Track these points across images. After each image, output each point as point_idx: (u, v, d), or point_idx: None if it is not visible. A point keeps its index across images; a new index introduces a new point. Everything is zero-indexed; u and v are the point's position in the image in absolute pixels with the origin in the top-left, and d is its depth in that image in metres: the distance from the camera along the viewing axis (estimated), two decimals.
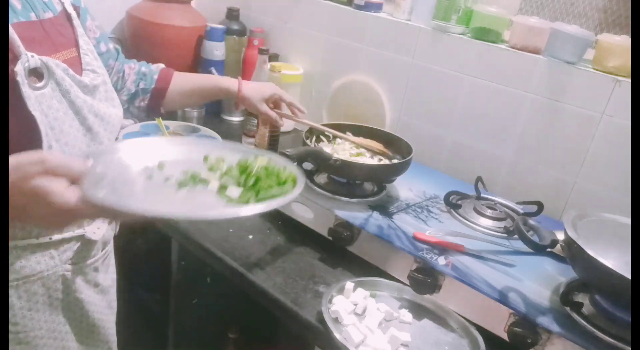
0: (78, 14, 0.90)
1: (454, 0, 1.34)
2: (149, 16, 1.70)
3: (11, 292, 0.82)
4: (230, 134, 1.64)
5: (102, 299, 0.99)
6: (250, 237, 1.12)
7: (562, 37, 1.21)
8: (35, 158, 0.59)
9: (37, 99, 0.74)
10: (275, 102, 1.24)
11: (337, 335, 0.84)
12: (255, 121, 1.51)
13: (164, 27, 1.69)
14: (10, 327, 0.83)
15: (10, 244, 0.79)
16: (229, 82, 1.18)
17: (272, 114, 1.22)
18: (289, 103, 1.25)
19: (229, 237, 1.11)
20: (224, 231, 1.13)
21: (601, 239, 0.87)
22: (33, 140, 0.74)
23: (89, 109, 0.82)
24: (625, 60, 1.13)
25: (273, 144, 1.50)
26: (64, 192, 0.57)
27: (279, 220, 1.19)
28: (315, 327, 0.89)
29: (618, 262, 0.77)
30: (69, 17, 0.86)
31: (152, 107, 1.12)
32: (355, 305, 0.92)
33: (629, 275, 0.73)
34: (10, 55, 0.72)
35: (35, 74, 0.75)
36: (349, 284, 0.95)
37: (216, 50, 1.75)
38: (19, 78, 0.71)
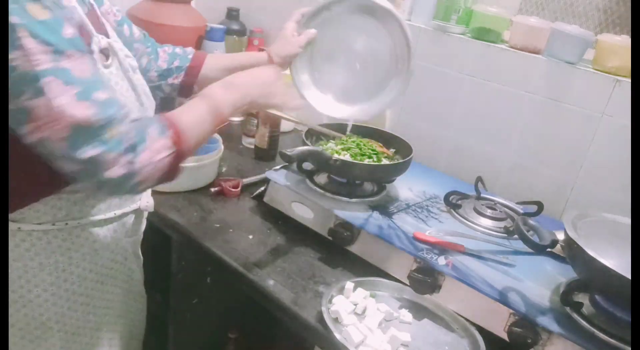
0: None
1: (454, 0, 1.34)
2: (149, 16, 1.70)
3: (84, 265, 0.89)
4: (230, 134, 1.64)
5: (140, 272, 1.06)
6: (250, 237, 1.12)
7: (562, 37, 1.21)
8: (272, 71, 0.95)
9: (107, 76, 0.80)
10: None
11: (337, 335, 0.84)
12: (255, 121, 1.51)
13: (164, 27, 1.69)
14: (82, 298, 0.91)
15: (85, 220, 0.86)
16: (258, 56, 1.16)
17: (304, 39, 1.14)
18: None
19: (229, 237, 1.11)
20: (224, 231, 1.13)
21: (601, 239, 0.87)
22: None
23: (142, 87, 0.90)
24: (625, 60, 1.13)
25: (273, 144, 1.50)
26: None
27: (279, 220, 1.19)
28: (315, 327, 0.89)
29: (618, 262, 0.77)
30: (94, 8, 0.88)
31: (185, 85, 1.13)
32: (355, 305, 0.92)
33: (629, 275, 0.74)
34: (85, 35, 0.76)
35: (104, 53, 0.81)
36: (349, 284, 0.95)
37: (216, 50, 1.75)
38: (95, 56, 0.78)
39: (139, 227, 1.01)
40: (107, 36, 0.86)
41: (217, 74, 1.15)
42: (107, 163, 0.70)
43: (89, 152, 0.68)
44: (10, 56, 0.63)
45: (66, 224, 0.84)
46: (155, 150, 0.73)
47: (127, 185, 0.73)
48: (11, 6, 0.63)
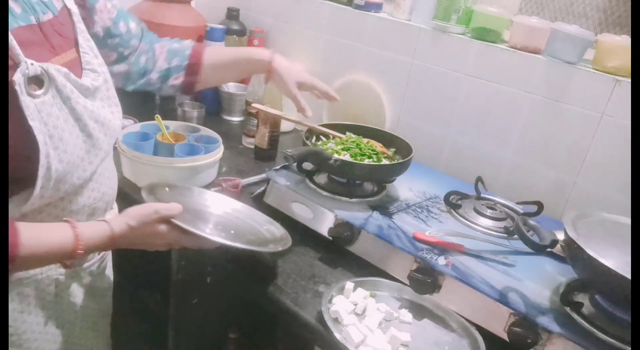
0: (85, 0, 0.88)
1: (454, 0, 1.34)
2: (149, 16, 1.70)
3: None
4: (230, 134, 1.64)
5: (97, 303, 0.98)
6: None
7: (562, 37, 1.21)
8: (151, 210, 0.82)
9: (36, 108, 0.72)
10: (308, 88, 1.17)
11: (337, 335, 0.84)
12: (255, 121, 1.51)
13: (164, 27, 1.69)
14: (14, 331, 0.83)
15: None
16: (262, 53, 1.12)
17: (302, 102, 1.13)
18: (324, 91, 1.18)
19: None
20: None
21: (601, 239, 0.87)
22: (31, 148, 0.72)
23: (90, 115, 0.80)
24: (625, 60, 1.13)
25: (273, 144, 1.50)
26: (171, 230, 0.83)
27: (279, 220, 1.19)
28: (315, 327, 0.89)
29: (618, 262, 0.77)
30: (69, 13, 0.84)
31: (187, 85, 1.09)
32: (355, 305, 0.92)
33: (629, 275, 0.74)
34: (9, 63, 0.70)
35: (36, 81, 0.72)
36: (349, 284, 0.95)
37: None
38: (17, 87, 0.69)
39: (84, 258, 0.90)
40: (76, 45, 0.81)
41: (216, 73, 1.13)
42: None
43: None
44: None
45: None
46: None
47: None
48: None
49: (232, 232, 1.09)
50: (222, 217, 1.14)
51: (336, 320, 0.88)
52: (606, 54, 1.17)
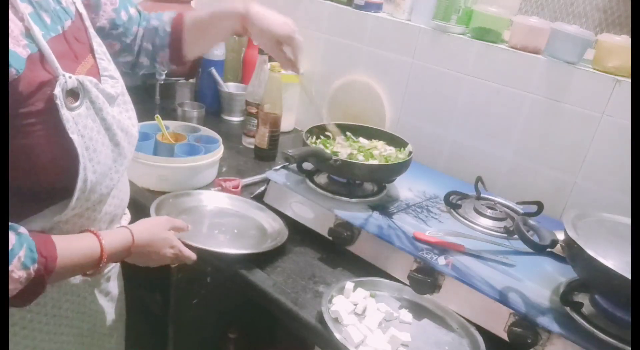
0: None
1: (454, 0, 1.34)
2: None
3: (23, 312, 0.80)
4: (230, 134, 1.64)
5: (112, 308, 0.98)
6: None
7: (562, 37, 1.21)
8: (163, 219, 0.94)
9: (74, 120, 0.71)
10: (285, 42, 1.04)
11: (337, 335, 0.84)
12: (255, 121, 1.51)
13: None
14: (29, 342, 0.82)
15: None
16: (236, 5, 1.02)
17: (282, 57, 1.05)
18: (295, 53, 1.06)
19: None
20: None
21: (601, 239, 0.87)
22: (70, 162, 0.71)
23: (117, 125, 0.80)
24: (625, 60, 1.13)
25: (273, 144, 1.50)
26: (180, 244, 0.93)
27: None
28: (315, 327, 0.89)
29: (618, 262, 0.77)
30: (81, 17, 0.82)
31: (175, 59, 1.06)
32: (355, 305, 0.92)
33: (629, 275, 0.74)
34: (48, 77, 0.69)
35: (72, 94, 0.72)
36: (349, 284, 0.95)
37: (216, 50, 1.75)
38: (58, 101, 0.68)
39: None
40: (91, 51, 0.80)
41: (199, 41, 1.07)
42: None
43: None
44: None
45: None
46: (10, 277, 0.65)
47: None
48: None
49: (235, 231, 1.11)
50: (222, 216, 1.16)
51: (336, 320, 0.88)
52: (606, 54, 1.17)
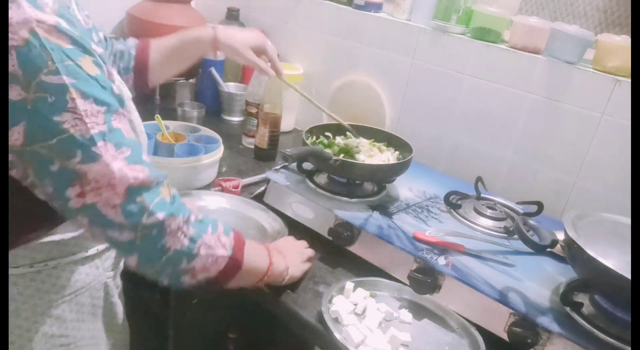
0: None
1: (454, 0, 1.34)
2: (149, 16, 1.70)
3: (64, 306, 0.82)
4: (230, 134, 1.64)
5: (122, 301, 1.00)
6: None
7: (562, 37, 1.21)
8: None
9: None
10: (259, 53, 1.12)
11: (337, 335, 0.84)
12: (255, 121, 1.51)
13: (164, 27, 1.69)
14: (62, 340, 0.83)
15: (67, 260, 0.80)
16: (204, 31, 1.07)
17: (262, 62, 1.11)
18: (271, 58, 1.15)
19: None
20: None
21: (601, 239, 0.87)
22: None
23: (139, 126, 0.81)
24: (625, 60, 1.13)
25: (273, 144, 1.50)
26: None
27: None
28: (315, 327, 0.89)
29: (618, 262, 0.77)
30: None
31: (138, 85, 1.06)
32: (355, 305, 0.92)
33: (629, 275, 0.73)
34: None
35: None
36: (349, 284, 0.95)
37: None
38: None
39: (121, 258, 0.93)
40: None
41: (164, 68, 1.09)
42: (167, 230, 0.65)
43: (147, 218, 0.64)
44: (58, 118, 0.58)
45: (45, 265, 0.77)
46: (217, 241, 0.70)
47: (180, 267, 0.69)
48: (64, 64, 0.58)
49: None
50: (222, 216, 1.16)
51: (336, 320, 0.88)
52: (606, 54, 1.17)
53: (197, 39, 1.08)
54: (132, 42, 1.07)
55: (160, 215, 0.65)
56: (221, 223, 0.76)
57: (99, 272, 0.87)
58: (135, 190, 0.63)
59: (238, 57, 1.10)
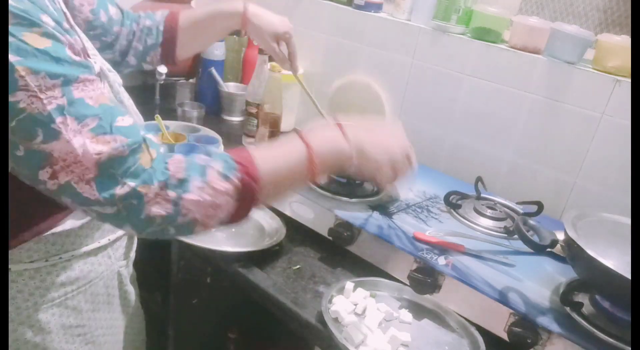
0: None
1: (454, 0, 1.34)
2: None
3: (79, 297, 0.83)
4: (230, 134, 1.64)
5: (135, 290, 1.02)
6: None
7: (562, 37, 1.21)
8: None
9: None
10: (281, 40, 1.10)
11: (337, 335, 0.84)
12: (256, 121, 1.51)
13: None
14: (79, 330, 0.85)
15: (80, 251, 0.80)
16: (235, 5, 1.05)
17: (281, 53, 1.10)
18: (291, 50, 1.13)
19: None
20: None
21: (601, 239, 0.87)
22: None
23: (132, 107, 0.80)
24: (625, 60, 1.13)
25: None
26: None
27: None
28: (315, 327, 0.89)
29: (618, 262, 0.77)
30: (66, 16, 0.82)
31: (165, 59, 1.06)
32: (355, 305, 0.92)
33: (629, 275, 0.73)
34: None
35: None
36: (349, 284, 0.95)
37: (216, 50, 1.75)
38: None
39: (132, 247, 0.96)
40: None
41: (192, 42, 1.08)
42: (145, 199, 0.62)
43: (120, 189, 0.60)
44: (13, 99, 0.55)
45: (60, 257, 0.78)
46: (210, 193, 0.65)
47: (172, 227, 0.65)
48: (9, 40, 0.55)
49: (233, 230, 1.12)
50: None
51: (336, 320, 0.88)
52: (606, 54, 1.17)
53: (226, 13, 1.05)
54: (160, 16, 1.05)
55: (132, 184, 0.61)
56: (216, 163, 0.67)
57: (111, 261, 0.88)
58: (105, 163, 0.60)
59: (260, 39, 1.08)
